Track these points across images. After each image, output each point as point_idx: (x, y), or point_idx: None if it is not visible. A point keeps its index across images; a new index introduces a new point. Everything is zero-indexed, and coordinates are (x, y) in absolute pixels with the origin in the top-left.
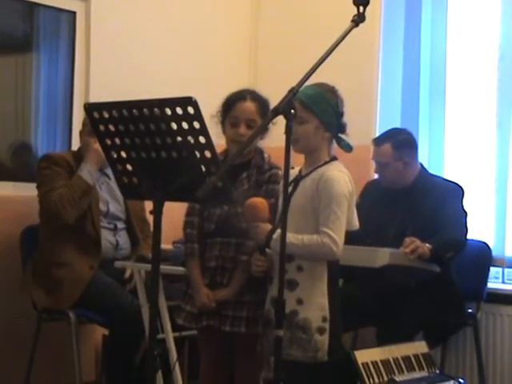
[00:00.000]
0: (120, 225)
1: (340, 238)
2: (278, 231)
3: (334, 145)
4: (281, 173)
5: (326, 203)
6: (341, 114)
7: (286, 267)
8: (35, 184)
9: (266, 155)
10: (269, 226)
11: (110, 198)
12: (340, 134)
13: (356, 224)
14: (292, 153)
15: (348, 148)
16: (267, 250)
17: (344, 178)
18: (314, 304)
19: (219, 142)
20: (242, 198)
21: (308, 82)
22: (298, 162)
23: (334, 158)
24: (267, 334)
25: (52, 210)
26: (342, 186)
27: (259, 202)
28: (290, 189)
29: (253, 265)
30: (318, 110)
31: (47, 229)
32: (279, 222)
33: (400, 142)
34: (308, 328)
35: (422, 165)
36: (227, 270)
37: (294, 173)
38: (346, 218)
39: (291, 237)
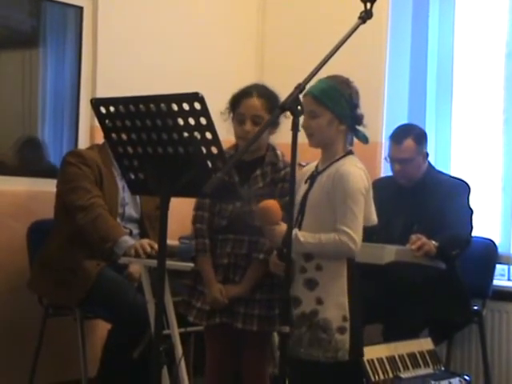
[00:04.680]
0: (135, 229)
1: (358, 236)
2: (295, 230)
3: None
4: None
5: (342, 199)
6: (355, 106)
7: (305, 266)
8: (42, 179)
9: (279, 152)
10: (284, 227)
11: (130, 199)
12: (357, 126)
13: (374, 219)
14: (299, 149)
15: (364, 139)
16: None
17: (360, 174)
18: (334, 303)
19: (229, 137)
20: (256, 196)
21: (315, 79)
22: (308, 157)
23: (349, 152)
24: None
25: (76, 206)
26: (358, 182)
27: (272, 204)
28: (306, 185)
29: (273, 267)
30: (330, 103)
31: (62, 228)
32: (296, 220)
33: (419, 135)
34: (328, 328)
35: (429, 162)
36: (240, 267)
37: (310, 168)
38: (363, 214)
39: (308, 236)
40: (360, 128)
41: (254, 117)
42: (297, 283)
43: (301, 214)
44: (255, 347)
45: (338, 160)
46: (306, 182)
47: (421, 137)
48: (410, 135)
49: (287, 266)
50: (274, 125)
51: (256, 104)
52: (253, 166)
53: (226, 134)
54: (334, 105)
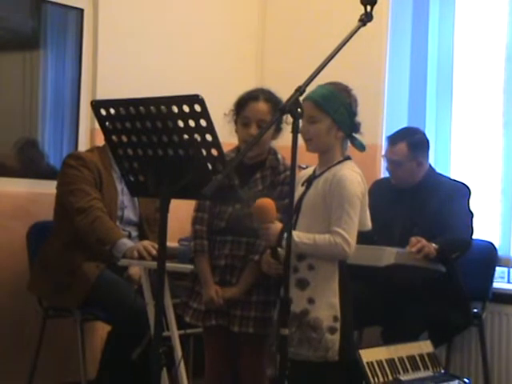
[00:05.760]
0: (134, 232)
1: (352, 238)
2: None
3: (349, 144)
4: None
5: (339, 203)
6: (354, 114)
7: (297, 266)
8: (42, 181)
9: (279, 156)
10: (279, 226)
11: (129, 202)
12: (354, 134)
13: (368, 224)
14: (299, 152)
15: (361, 147)
16: (279, 249)
17: (357, 178)
18: (325, 303)
19: (231, 140)
20: (255, 199)
21: (315, 82)
22: (308, 159)
23: (347, 158)
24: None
25: (75, 208)
26: (355, 186)
27: (267, 202)
28: (303, 188)
29: (265, 266)
30: (330, 110)
31: (62, 230)
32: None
33: (415, 142)
34: (319, 327)
35: (430, 164)
36: (237, 268)
37: (308, 172)
38: (358, 218)
39: (303, 236)
40: (357, 136)
41: (260, 121)
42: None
43: (296, 216)
44: (253, 348)
45: (335, 165)
46: (302, 185)
47: (418, 144)
48: (406, 140)
49: (285, 267)
50: (277, 130)
51: (263, 108)
52: (253, 169)
53: (228, 136)
54: (334, 111)
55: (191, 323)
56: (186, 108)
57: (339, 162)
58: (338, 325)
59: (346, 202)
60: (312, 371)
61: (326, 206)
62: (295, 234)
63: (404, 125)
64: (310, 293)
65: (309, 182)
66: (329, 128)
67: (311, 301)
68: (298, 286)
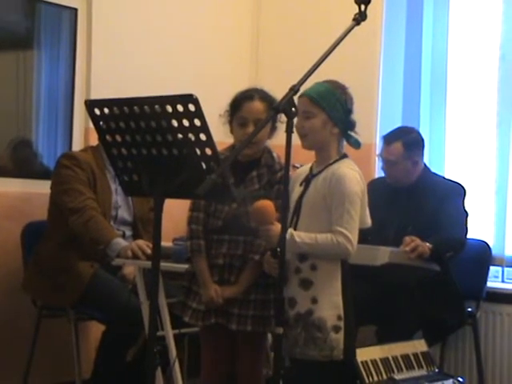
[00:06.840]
0: (128, 231)
1: (354, 237)
2: (291, 230)
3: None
4: (291, 173)
5: (339, 202)
6: (349, 111)
7: (300, 267)
8: (36, 180)
9: (275, 154)
10: (279, 227)
11: (123, 201)
12: (349, 132)
13: (368, 222)
14: (293, 151)
15: (357, 145)
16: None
17: (356, 176)
18: (329, 303)
19: (226, 140)
20: (252, 197)
21: (310, 81)
22: (302, 159)
23: (344, 156)
24: (286, 334)
25: (69, 208)
26: (354, 184)
27: (266, 204)
28: (301, 188)
29: (267, 267)
30: (326, 105)
31: (56, 229)
32: (291, 222)
33: (411, 141)
34: (323, 327)
35: (425, 164)
36: (235, 267)
37: (304, 170)
38: (359, 216)
39: (304, 236)
40: (352, 134)
41: (257, 120)
42: (292, 284)
43: (296, 216)
44: (250, 348)
45: (333, 163)
46: (300, 185)
47: (413, 143)
48: (401, 139)
49: (281, 267)
50: (273, 129)
51: (259, 107)
52: (249, 167)
53: (224, 136)
54: (330, 107)
55: (190, 323)
56: (180, 107)
57: (337, 160)
58: (341, 323)
59: (347, 200)
60: (318, 370)
61: (326, 205)
62: (296, 235)
63: (398, 124)
64: (314, 292)
65: (307, 181)
66: (324, 123)
67: (315, 300)
68: (302, 286)
